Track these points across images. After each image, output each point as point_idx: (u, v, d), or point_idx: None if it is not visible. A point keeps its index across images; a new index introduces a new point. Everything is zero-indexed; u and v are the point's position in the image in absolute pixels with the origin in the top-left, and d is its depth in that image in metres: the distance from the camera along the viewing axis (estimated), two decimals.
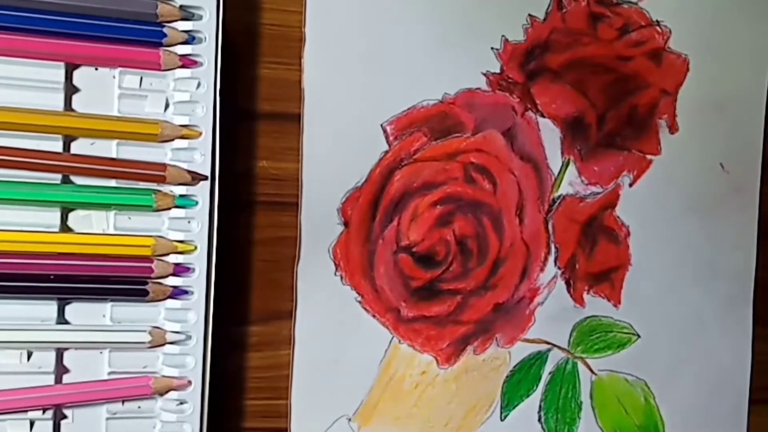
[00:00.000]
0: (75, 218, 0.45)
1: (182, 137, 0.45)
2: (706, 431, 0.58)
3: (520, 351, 0.54)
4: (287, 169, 0.50)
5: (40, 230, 0.44)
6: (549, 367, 0.55)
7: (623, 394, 0.56)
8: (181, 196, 0.46)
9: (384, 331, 0.52)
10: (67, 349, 0.45)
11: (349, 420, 0.51)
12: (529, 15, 0.53)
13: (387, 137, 0.51)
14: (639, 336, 0.57)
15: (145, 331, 0.45)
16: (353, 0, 0.50)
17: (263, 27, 0.49)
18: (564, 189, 0.55)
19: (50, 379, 0.44)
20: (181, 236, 0.46)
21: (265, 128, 0.50)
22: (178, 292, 0.46)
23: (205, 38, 0.45)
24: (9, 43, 0.43)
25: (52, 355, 0.44)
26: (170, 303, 0.46)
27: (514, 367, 0.54)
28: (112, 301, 0.45)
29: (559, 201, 0.55)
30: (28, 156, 0.43)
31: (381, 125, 0.51)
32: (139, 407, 0.46)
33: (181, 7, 0.45)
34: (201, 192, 0.46)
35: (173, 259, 0.46)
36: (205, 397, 0.46)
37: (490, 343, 0.54)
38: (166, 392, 0.46)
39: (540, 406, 0.55)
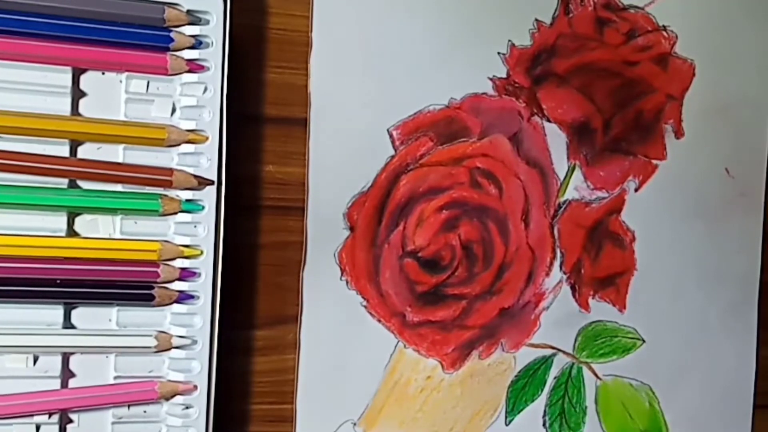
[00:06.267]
0: (81, 223, 0.45)
1: (189, 142, 0.46)
2: None
3: (526, 356, 0.54)
4: (293, 173, 0.50)
5: (47, 235, 0.44)
6: (554, 372, 0.55)
7: (628, 399, 0.56)
8: (188, 200, 0.46)
9: (389, 336, 0.52)
10: (73, 353, 0.45)
11: (354, 424, 0.51)
12: (536, 20, 0.53)
13: (393, 142, 0.51)
14: (644, 341, 0.57)
15: (151, 335, 0.45)
16: (360, 5, 0.50)
17: (270, 31, 0.49)
18: (570, 194, 0.55)
19: (56, 384, 0.44)
20: (187, 241, 0.46)
21: (271, 133, 0.50)
22: (184, 297, 0.46)
23: (212, 43, 0.45)
24: (16, 48, 0.43)
25: (59, 359, 0.44)
26: (176, 307, 0.46)
27: (519, 371, 0.54)
28: (118, 305, 0.45)
29: (564, 206, 0.55)
30: (34, 160, 0.43)
31: (387, 130, 0.51)
32: (144, 412, 0.46)
33: (188, 11, 0.45)
34: (207, 196, 0.46)
35: (179, 263, 0.46)
36: (211, 402, 0.46)
37: (496, 348, 0.54)
38: (172, 397, 0.46)
39: (545, 411, 0.55)
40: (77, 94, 0.45)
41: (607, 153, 0.55)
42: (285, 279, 0.50)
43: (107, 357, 0.45)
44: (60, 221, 0.44)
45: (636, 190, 0.56)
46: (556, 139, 0.54)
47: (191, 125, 0.46)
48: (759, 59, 0.58)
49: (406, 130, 0.51)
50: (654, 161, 0.56)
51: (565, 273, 0.55)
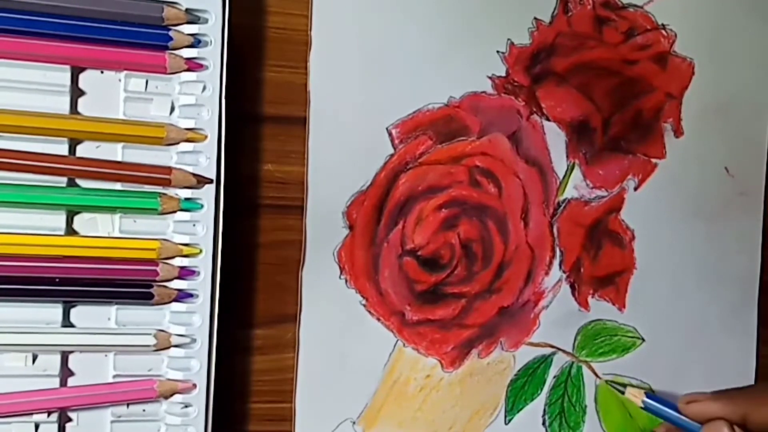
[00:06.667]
0: (80, 221, 0.45)
1: (187, 140, 0.46)
2: None
3: (525, 355, 0.54)
4: (292, 172, 0.50)
5: (46, 233, 0.44)
6: (554, 371, 0.55)
7: (628, 399, 0.56)
8: (187, 199, 0.46)
9: (388, 335, 0.52)
10: (72, 352, 0.45)
11: (354, 423, 0.51)
12: (535, 18, 0.53)
13: (392, 140, 0.51)
14: (644, 340, 0.57)
15: (150, 334, 0.45)
16: (359, 4, 0.50)
17: (269, 30, 0.49)
18: (569, 192, 0.55)
19: (55, 382, 0.44)
20: (186, 239, 0.46)
21: (270, 131, 0.50)
22: (183, 295, 0.46)
23: (211, 41, 0.46)
24: (15, 46, 0.43)
25: (57, 358, 0.44)
26: (175, 306, 0.46)
27: (519, 370, 0.54)
28: (117, 304, 0.45)
29: (564, 205, 0.55)
30: (33, 159, 0.43)
31: (386, 128, 0.51)
32: (143, 410, 0.46)
33: (186, 10, 0.45)
34: (206, 195, 0.46)
35: (178, 262, 0.46)
36: (210, 400, 0.46)
37: (495, 347, 0.54)
38: (171, 395, 0.46)
39: (544, 410, 0.55)
40: (76, 92, 0.45)
41: (607, 152, 0.55)
42: (284, 278, 0.50)
43: (106, 356, 0.45)
44: (59, 220, 0.44)
45: (635, 188, 0.56)
46: (556, 138, 0.54)
47: (190, 124, 0.46)
48: (758, 57, 0.58)
49: (405, 129, 0.51)
50: (653, 160, 0.56)
51: (564, 272, 0.55)
